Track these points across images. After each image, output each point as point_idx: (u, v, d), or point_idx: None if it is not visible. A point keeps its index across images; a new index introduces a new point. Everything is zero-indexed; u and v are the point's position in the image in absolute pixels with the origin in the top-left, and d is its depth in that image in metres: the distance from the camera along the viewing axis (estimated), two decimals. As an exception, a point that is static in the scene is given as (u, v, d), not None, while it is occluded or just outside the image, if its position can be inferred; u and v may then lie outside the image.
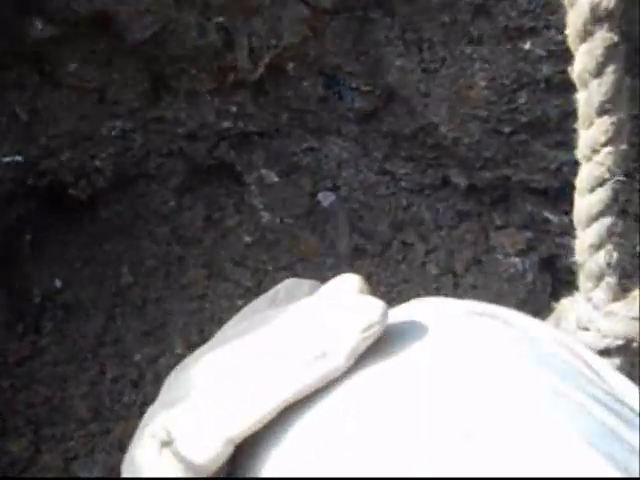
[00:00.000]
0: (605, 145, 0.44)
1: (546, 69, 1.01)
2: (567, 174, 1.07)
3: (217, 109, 1.13)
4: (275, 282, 0.47)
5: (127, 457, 0.37)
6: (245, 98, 1.13)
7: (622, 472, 0.31)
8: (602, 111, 0.44)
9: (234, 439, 0.35)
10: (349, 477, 0.32)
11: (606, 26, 0.41)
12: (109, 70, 1.08)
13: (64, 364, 1.16)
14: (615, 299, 0.48)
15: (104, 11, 1.00)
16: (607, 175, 0.45)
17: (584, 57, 0.43)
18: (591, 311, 0.49)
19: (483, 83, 1.04)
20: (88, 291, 1.19)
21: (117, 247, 1.21)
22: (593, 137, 0.45)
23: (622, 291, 0.48)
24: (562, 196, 1.11)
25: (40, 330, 1.17)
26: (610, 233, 0.47)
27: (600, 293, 0.48)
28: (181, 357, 0.42)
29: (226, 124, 1.15)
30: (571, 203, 0.49)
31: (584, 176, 0.46)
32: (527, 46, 1.00)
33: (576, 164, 0.47)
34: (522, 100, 1.05)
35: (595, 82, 0.43)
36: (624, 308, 0.47)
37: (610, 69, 0.43)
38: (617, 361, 0.47)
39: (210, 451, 0.35)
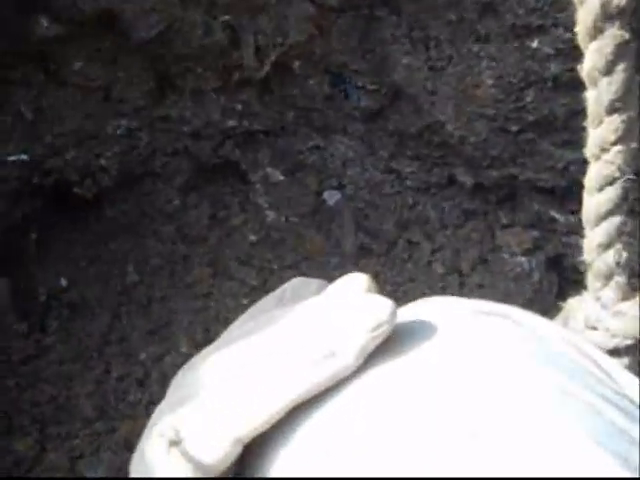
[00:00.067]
0: (615, 144, 0.44)
1: (554, 67, 1.01)
2: (574, 173, 1.07)
3: (222, 107, 1.13)
4: (280, 281, 0.47)
5: (135, 456, 0.37)
6: (250, 96, 1.13)
7: (632, 472, 0.31)
8: (612, 109, 0.43)
9: (242, 439, 0.35)
10: (358, 477, 0.32)
11: (617, 24, 0.41)
12: (114, 69, 1.08)
13: (69, 363, 1.16)
14: (624, 298, 0.48)
15: (109, 10, 1.00)
16: (617, 174, 0.44)
17: (594, 55, 0.43)
18: (599, 310, 0.48)
19: (490, 81, 1.04)
20: (93, 290, 1.19)
21: (122, 246, 1.21)
22: (602, 136, 0.44)
23: (631, 290, 0.48)
24: (569, 195, 1.11)
25: (45, 329, 1.17)
26: (620, 232, 0.46)
27: (609, 292, 0.48)
28: (186, 356, 0.42)
29: (231, 123, 1.15)
30: (579, 202, 0.48)
31: (593, 175, 0.46)
32: (535, 44, 1.00)
33: (584, 163, 0.47)
34: (529, 98, 1.04)
35: (605, 80, 0.43)
36: (633, 307, 0.47)
37: (620, 67, 0.42)
38: (626, 361, 0.47)
39: (219, 451, 0.34)
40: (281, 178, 1.21)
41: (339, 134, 1.18)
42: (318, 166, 1.21)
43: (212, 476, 0.35)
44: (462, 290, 1.18)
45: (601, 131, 0.44)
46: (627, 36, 0.42)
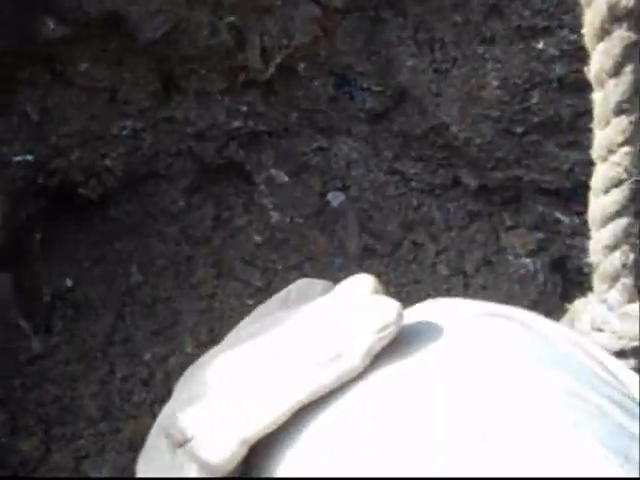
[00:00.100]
0: (622, 145, 0.43)
1: (559, 69, 1.01)
2: (579, 174, 1.07)
3: (227, 109, 1.14)
4: (284, 281, 0.47)
5: (141, 456, 0.37)
6: (255, 98, 1.13)
7: (638, 473, 0.31)
8: (619, 111, 0.43)
9: (249, 440, 0.35)
10: (364, 477, 0.32)
11: (624, 25, 0.41)
12: (120, 70, 1.08)
13: (74, 363, 1.16)
14: (630, 300, 0.48)
15: (115, 11, 1.00)
16: (624, 175, 0.44)
17: (601, 56, 0.42)
18: (606, 312, 0.48)
19: (495, 83, 1.04)
20: (98, 290, 1.19)
21: (127, 246, 1.21)
22: (609, 137, 0.44)
23: (637, 292, 0.48)
24: (574, 197, 1.11)
25: (50, 329, 1.17)
26: (626, 234, 0.46)
27: (615, 294, 0.48)
28: (191, 356, 0.42)
29: (236, 124, 1.15)
30: (584, 204, 0.48)
31: (599, 176, 0.46)
32: (540, 46, 1.00)
33: (589, 164, 0.47)
34: (534, 100, 1.04)
35: (612, 82, 0.43)
36: (640, 309, 0.47)
37: (628, 69, 0.42)
38: (633, 362, 0.46)
39: (225, 451, 0.34)
40: (285, 179, 1.21)
41: (343, 135, 1.18)
42: (322, 167, 1.21)
43: (218, 476, 0.35)
44: (466, 291, 1.18)
45: (608, 132, 0.44)
46: (635, 37, 0.42)
